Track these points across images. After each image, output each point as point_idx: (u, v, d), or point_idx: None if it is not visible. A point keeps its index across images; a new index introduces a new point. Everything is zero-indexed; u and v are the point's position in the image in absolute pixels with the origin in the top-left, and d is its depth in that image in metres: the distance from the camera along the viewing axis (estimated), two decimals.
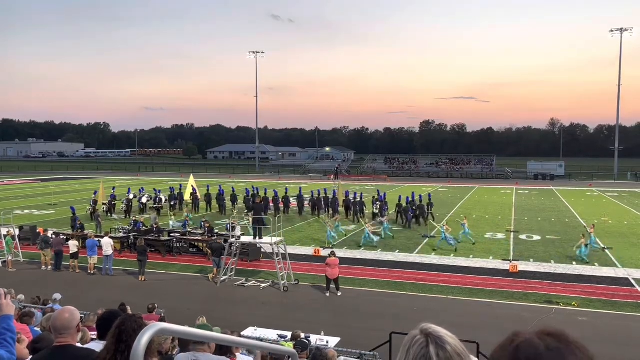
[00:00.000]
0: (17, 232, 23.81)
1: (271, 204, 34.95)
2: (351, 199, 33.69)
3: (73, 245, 21.18)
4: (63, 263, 21.07)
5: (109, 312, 4.17)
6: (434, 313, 15.34)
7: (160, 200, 36.25)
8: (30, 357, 4.12)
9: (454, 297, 17.14)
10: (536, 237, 27.30)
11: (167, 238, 24.05)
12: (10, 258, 21.45)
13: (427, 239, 24.77)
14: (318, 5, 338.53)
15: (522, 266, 20.62)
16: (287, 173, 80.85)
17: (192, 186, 38.66)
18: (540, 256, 22.82)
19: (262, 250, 22.11)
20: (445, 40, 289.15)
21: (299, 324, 13.39)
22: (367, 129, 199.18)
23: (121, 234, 24.64)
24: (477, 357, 8.95)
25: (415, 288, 18.13)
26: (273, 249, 18.63)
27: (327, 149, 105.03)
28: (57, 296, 12.99)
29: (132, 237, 23.83)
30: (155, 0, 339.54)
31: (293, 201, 36.45)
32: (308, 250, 23.97)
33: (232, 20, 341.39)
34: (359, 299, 17.12)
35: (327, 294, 17.42)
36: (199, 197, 37.79)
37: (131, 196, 36.15)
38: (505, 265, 20.87)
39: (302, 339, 10.22)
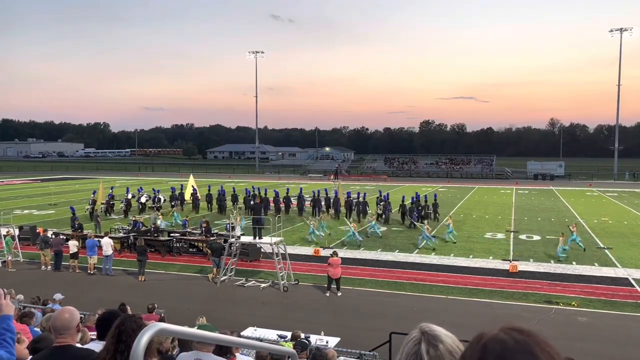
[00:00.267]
0: (16, 232, 23.80)
1: (272, 204, 34.98)
2: (353, 199, 33.70)
3: (73, 245, 21.19)
4: (63, 263, 21.08)
5: (108, 312, 4.17)
6: (434, 313, 15.34)
7: (159, 200, 36.29)
8: (30, 357, 4.11)
9: (453, 297, 17.14)
10: (536, 237, 27.31)
11: (166, 238, 24.07)
12: (10, 258, 21.46)
13: (427, 241, 24.62)
14: (318, 5, 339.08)
15: (522, 266, 20.63)
16: (287, 173, 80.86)
17: (193, 186, 38.69)
18: (540, 256, 22.83)
19: (262, 250, 22.12)
20: (445, 40, 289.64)
21: (299, 324, 13.38)
22: (367, 129, 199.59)
23: (121, 234, 24.65)
24: None
25: (415, 288, 18.14)
26: (273, 249, 18.64)
27: (327, 149, 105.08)
28: (58, 296, 12.94)
29: (131, 237, 23.84)
30: (155, 0, 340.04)
31: (294, 201, 36.46)
32: (308, 250, 23.96)
33: (232, 20, 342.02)
34: (359, 299, 17.12)
35: (327, 294, 17.43)
36: (200, 197, 37.85)
37: (130, 196, 36.20)
38: (505, 265, 20.88)
39: (302, 339, 10.22)
